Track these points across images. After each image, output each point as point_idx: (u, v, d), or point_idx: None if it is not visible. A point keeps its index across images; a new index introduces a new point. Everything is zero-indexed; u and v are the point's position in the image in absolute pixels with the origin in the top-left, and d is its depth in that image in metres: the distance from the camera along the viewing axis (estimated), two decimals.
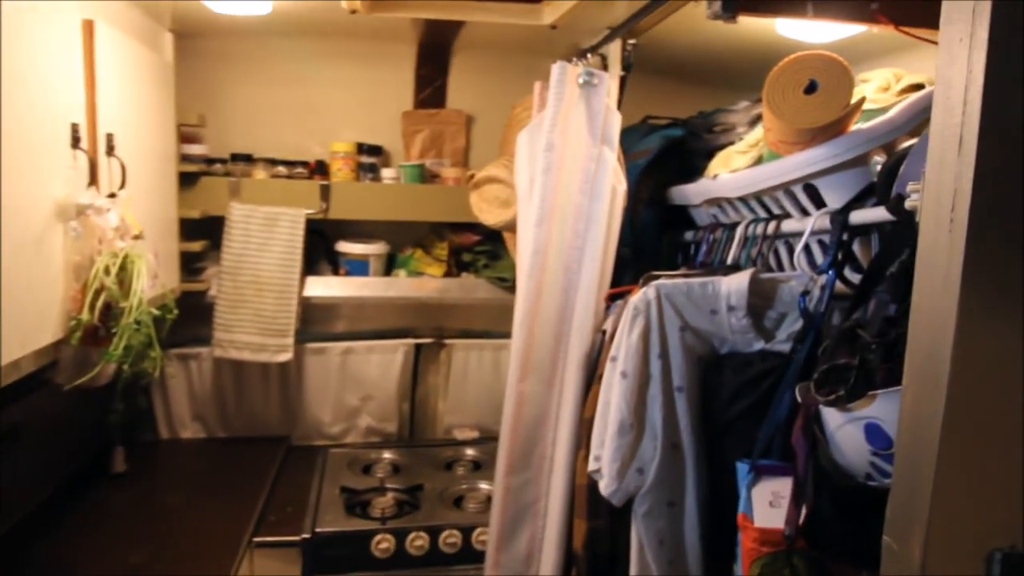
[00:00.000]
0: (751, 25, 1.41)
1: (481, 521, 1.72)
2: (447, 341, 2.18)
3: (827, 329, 1.08)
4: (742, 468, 1.18)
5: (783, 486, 1.15)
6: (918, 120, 1.12)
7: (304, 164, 2.02)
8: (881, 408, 0.83)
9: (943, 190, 0.64)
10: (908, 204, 0.68)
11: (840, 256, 1.14)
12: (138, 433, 2.01)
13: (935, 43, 1.18)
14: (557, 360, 1.47)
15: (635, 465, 1.21)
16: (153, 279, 1.43)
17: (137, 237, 1.40)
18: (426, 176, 2.04)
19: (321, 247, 2.09)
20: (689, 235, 1.64)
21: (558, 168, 1.42)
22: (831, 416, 0.90)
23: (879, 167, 1.18)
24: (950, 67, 0.64)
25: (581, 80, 1.41)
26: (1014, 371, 0.62)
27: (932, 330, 0.65)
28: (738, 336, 1.24)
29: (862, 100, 1.10)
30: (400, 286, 2.04)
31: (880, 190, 1.13)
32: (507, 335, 2.27)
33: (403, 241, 2.15)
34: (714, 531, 1.23)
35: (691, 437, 1.23)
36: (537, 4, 1.56)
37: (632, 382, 1.20)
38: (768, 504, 1.09)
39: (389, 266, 2.11)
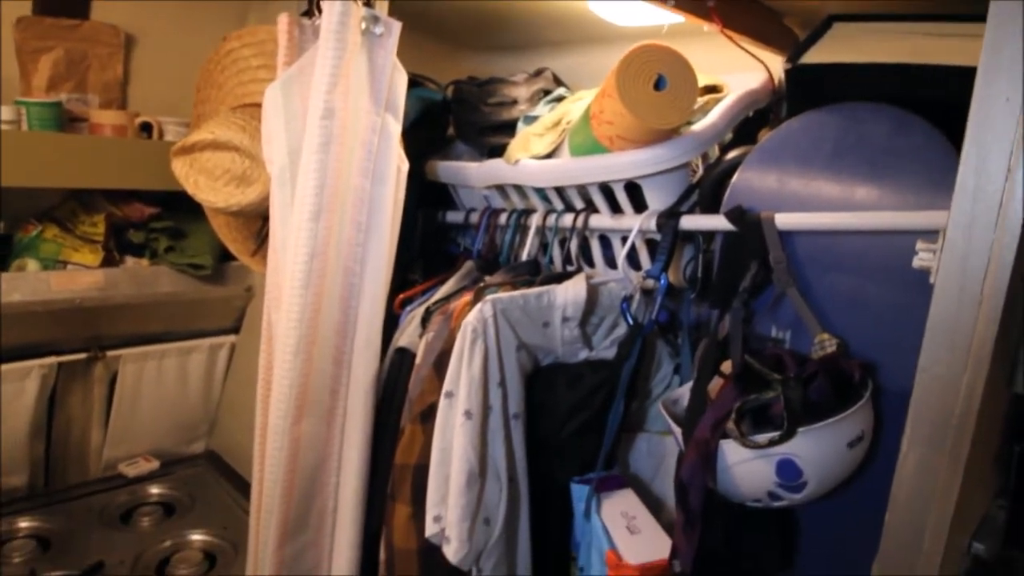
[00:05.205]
0: None
1: None
2: (109, 353, 1.57)
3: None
4: (580, 490, 1.11)
5: (626, 503, 1.11)
6: (733, 125, 1.13)
7: None
8: (800, 444, 0.82)
9: (972, 262, 0.60)
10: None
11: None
12: None
13: (750, 54, 1.22)
14: (338, 389, 1.15)
15: (482, 516, 1.02)
16: None
17: None
18: (64, 120, 1.36)
19: None
20: (457, 217, 1.45)
21: (339, 142, 1.06)
22: (732, 451, 0.87)
23: (695, 172, 1.19)
24: (985, 128, 0.59)
25: (364, 26, 1.06)
26: None
27: (946, 399, 0.63)
28: (567, 347, 1.13)
29: (708, 103, 1.06)
30: (32, 285, 1.35)
31: (706, 197, 1.12)
32: (198, 334, 1.75)
33: (20, 214, 1.43)
34: (542, 558, 1.14)
35: (524, 465, 1.10)
36: None
37: (477, 421, 1.00)
38: (627, 532, 1.04)
39: (2, 254, 1.38)
